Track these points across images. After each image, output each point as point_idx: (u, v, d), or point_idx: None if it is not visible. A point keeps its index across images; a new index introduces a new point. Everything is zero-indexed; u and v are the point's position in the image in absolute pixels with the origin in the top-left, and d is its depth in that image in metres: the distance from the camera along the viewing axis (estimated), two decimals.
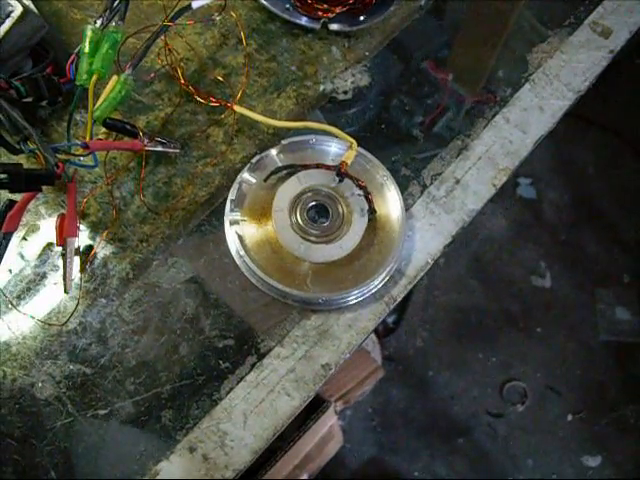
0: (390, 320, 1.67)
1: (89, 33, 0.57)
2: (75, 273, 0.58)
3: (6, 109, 0.52)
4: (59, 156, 0.53)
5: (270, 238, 0.60)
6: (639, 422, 1.65)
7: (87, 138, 0.55)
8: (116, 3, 0.58)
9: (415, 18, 0.74)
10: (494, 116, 0.68)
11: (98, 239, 0.60)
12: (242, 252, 0.58)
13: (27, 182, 0.49)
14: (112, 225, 0.61)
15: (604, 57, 0.72)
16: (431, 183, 0.65)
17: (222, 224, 0.61)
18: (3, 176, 0.49)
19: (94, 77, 0.57)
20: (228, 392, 0.56)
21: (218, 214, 0.62)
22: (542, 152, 1.91)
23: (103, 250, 0.60)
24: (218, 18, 0.68)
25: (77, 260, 0.59)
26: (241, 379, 0.57)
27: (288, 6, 0.70)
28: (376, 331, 0.57)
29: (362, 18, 0.69)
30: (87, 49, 0.57)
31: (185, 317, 0.59)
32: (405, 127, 0.68)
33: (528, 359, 1.69)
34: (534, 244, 1.81)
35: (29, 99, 0.56)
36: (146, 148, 0.60)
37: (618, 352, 1.71)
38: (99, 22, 0.58)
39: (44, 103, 0.58)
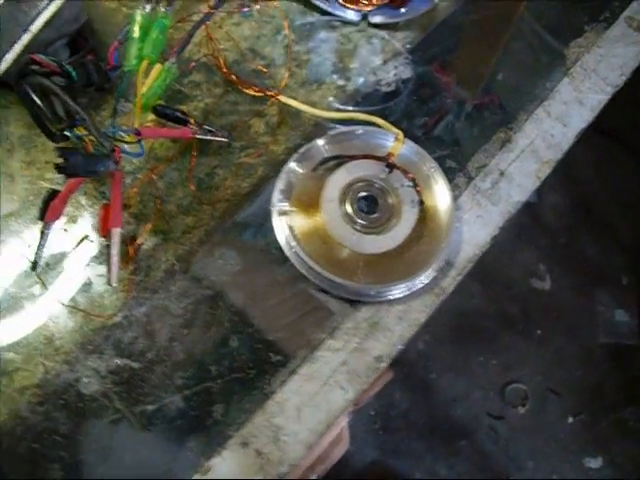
0: None
1: (138, 18, 0.56)
2: (119, 265, 0.57)
3: (59, 93, 0.50)
4: None
5: (320, 229, 0.59)
6: (639, 424, 1.66)
7: (136, 124, 0.53)
8: None
9: (452, 11, 0.74)
10: (535, 109, 0.68)
11: (141, 231, 0.59)
12: (293, 242, 0.57)
13: (85, 166, 0.48)
14: (155, 217, 0.59)
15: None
16: (476, 175, 0.64)
17: (267, 215, 0.60)
18: (61, 160, 0.47)
19: (144, 62, 0.55)
20: (280, 385, 0.55)
21: (262, 205, 0.61)
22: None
23: (147, 242, 0.58)
24: (257, 7, 0.67)
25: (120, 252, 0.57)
26: (293, 372, 0.56)
27: None
28: None
29: (403, 10, 0.69)
30: (137, 34, 0.56)
31: (234, 309, 0.57)
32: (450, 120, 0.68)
33: (528, 361, 1.69)
34: (533, 247, 1.82)
35: (77, 84, 0.55)
36: (196, 136, 0.58)
37: (617, 354, 1.72)
38: (148, 7, 0.57)
39: (92, 89, 0.56)
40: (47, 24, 0.57)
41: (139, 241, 0.58)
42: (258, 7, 0.69)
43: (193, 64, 0.66)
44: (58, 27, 0.59)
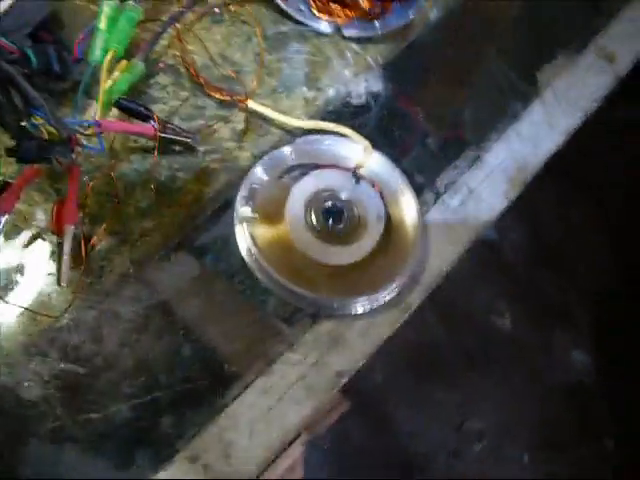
0: None
1: (106, 9, 0.54)
2: (71, 265, 0.54)
3: (15, 76, 0.48)
4: None
5: (283, 238, 0.57)
6: (594, 461, 1.65)
7: (98, 117, 0.51)
8: None
9: (427, 31, 0.73)
10: (506, 129, 0.67)
11: (96, 231, 0.56)
12: (254, 250, 0.55)
13: (39, 152, 0.45)
14: (112, 217, 0.57)
15: (610, 81, 0.73)
16: (445, 191, 0.63)
17: (229, 222, 0.57)
18: (13, 143, 0.44)
19: (110, 54, 0.53)
20: (234, 399, 0.52)
21: (224, 212, 0.59)
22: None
23: (101, 243, 0.56)
24: (229, 13, 0.65)
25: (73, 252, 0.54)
26: (248, 385, 0.53)
27: (302, 8, 0.69)
28: None
29: (377, 24, 0.68)
30: (103, 25, 0.54)
31: (189, 317, 0.54)
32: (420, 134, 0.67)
33: (486, 398, 1.68)
34: (494, 283, 1.82)
35: (37, 70, 0.52)
36: (159, 134, 0.56)
37: (574, 393, 1.72)
38: None
39: (52, 80, 0.54)
40: (6, 13, 0.55)
41: (93, 241, 0.55)
42: (230, 12, 0.67)
43: (161, 65, 0.64)
44: (17, 16, 0.56)
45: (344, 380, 0.54)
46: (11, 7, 0.56)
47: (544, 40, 0.76)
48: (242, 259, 0.56)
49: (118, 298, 0.54)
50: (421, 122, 0.68)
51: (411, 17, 0.66)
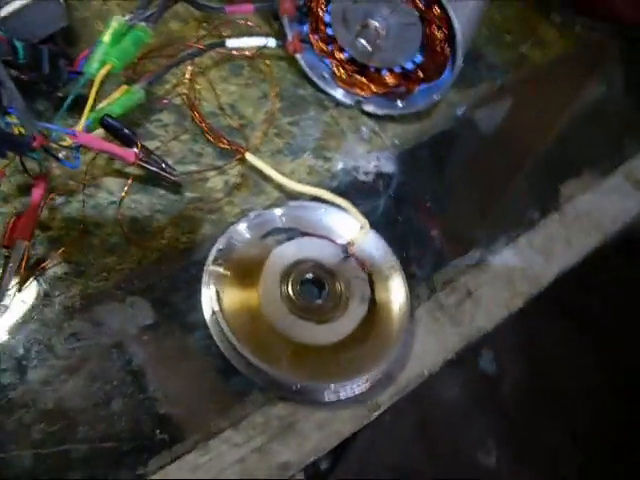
0: (323, 465, 1.53)
1: (114, 24, 0.51)
2: (13, 283, 0.48)
3: None
4: None
5: (252, 303, 0.51)
6: None
7: (79, 129, 0.47)
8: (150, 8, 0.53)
9: (449, 127, 0.70)
10: (518, 236, 0.62)
11: (52, 255, 0.51)
12: (216, 308, 0.49)
13: None
14: (73, 244, 0.52)
15: (634, 207, 0.68)
16: (441, 289, 0.58)
17: (198, 275, 0.52)
18: None
19: (106, 67, 0.50)
20: (157, 470, 0.45)
21: (197, 265, 0.53)
22: (510, 328, 1.86)
23: (55, 269, 0.50)
24: (248, 67, 0.63)
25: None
26: (177, 457, 0.46)
27: (326, 75, 0.66)
28: (305, 472, 0.49)
29: (400, 104, 0.64)
30: (107, 39, 0.51)
31: (129, 368, 0.48)
32: (423, 226, 0.62)
33: None
34: (486, 419, 1.72)
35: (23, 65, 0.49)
36: (140, 162, 0.52)
37: None
38: (128, 17, 0.52)
39: (41, 81, 0.50)
40: (14, 16, 0.52)
41: (45, 264, 0.50)
42: (252, 65, 0.65)
43: (165, 101, 0.60)
44: (29, 21, 0.54)
45: (288, 474, 0.47)
46: (22, 11, 0.53)
47: (572, 155, 0.72)
48: (202, 316, 0.50)
49: (56, 331, 0.48)
50: (429, 219, 0.63)
51: (435, 99, 0.62)
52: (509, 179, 0.70)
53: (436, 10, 0.56)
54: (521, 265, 0.61)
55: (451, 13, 0.54)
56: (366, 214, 0.58)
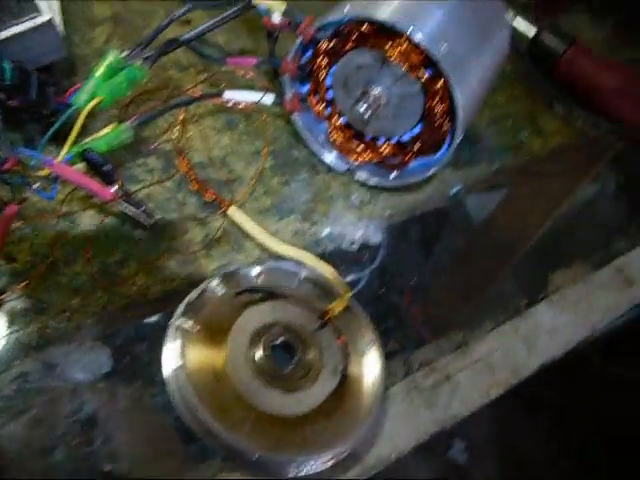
0: None
1: (110, 58, 0.50)
2: None
3: None
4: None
5: (217, 363, 0.48)
6: None
7: (58, 159, 0.45)
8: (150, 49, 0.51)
9: (442, 206, 0.69)
10: (503, 322, 0.60)
11: (14, 288, 0.48)
12: (179, 364, 0.46)
13: None
14: (37, 279, 0.49)
15: (624, 304, 0.66)
16: (418, 369, 0.55)
17: (164, 326, 0.49)
18: None
19: (95, 101, 0.48)
20: None
21: (165, 317, 0.50)
22: (485, 418, 1.81)
23: (14, 302, 0.48)
24: (244, 123, 0.61)
25: None
26: None
27: (321, 138, 0.64)
28: None
29: (393, 175, 0.63)
30: (100, 72, 0.49)
31: (78, 417, 0.45)
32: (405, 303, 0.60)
33: None
34: None
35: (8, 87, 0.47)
36: (117, 202, 0.49)
37: None
38: (125, 52, 0.51)
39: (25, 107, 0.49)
40: (8, 42, 0.51)
41: (4, 296, 0.47)
42: (248, 121, 0.63)
43: (154, 145, 0.59)
44: (26, 47, 0.53)
45: None
46: (21, 37, 0.52)
47: (564, 246, 0.71)
48: (165, 372, 0.47)
49: (5, 368, 0.45)
50: (412, 296, 0.61)
51: (430, 174, 0.60)
52: (498, 263, 0.68)
53: (440, 84, 0.55)
54: (503, 353, 0.58)
55: (454, 88, 0.53)
56: (348, 283, 0.56)
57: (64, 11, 0.61)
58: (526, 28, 0.83)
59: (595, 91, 0.80)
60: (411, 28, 0.53)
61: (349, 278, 0.58)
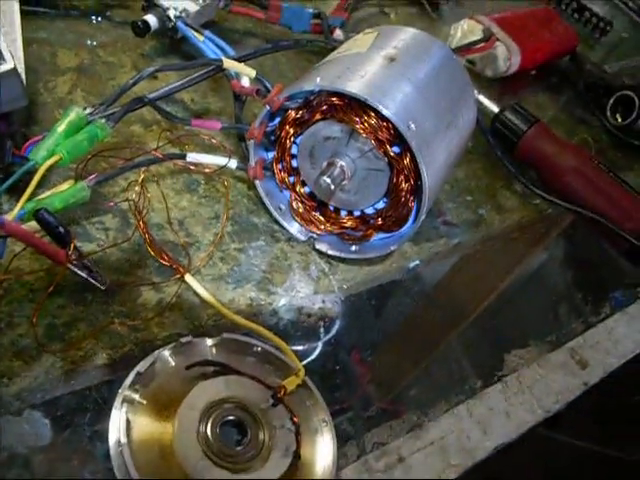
0: None
1: (72, 114, 0.49)
2: None
3: None
4: None
5: (164, 439, 0.46)
6: None
7: (10, 217, 0.43)
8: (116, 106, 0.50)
9: (400, 277, 0.68)
10: (458, 404, 0.59)
11: None
12: (124, 440, 0.44)
13: None
14: None
15: (577, 387, 0.66)
16: (372, 450, 0.53)
17: (112, 399, 0.47)
18: None
19: (53, 158, 0.47)
20: None
21: (112, 386, 0.48)
22: None
23: None
24: (205, 185, 0.60)
25: None
26: None
27: (282, 206, 0.63)
28: None
29: (354, 248, 0.62)
30: (61, 129, 0.48)
31: None
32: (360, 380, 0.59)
33: None
34: None
35: None
36: (69, 265, 0.47)
37: None
38: (88, 110, 0.50)
39: None
40: None
41: None
42: (209, 185, 0.62)
43: (111, 204, 0.57)
44: None
45: None
46: None
47: (519, 325, 0.71)
48: (108, 447, 0.45)
49: None
50: (366, 374, 0.60)
51: (391, 249, 0.60)
52: (454, 342, 0.67)
53: (406, 161, 0.55)
54: (458, 434, 0.57)
55: (423, 169, 0.53)
56: (302, 357, 0.54)
57: (27, 57, 0.60)
58: (489, 105, 0.85)
59: (553, 170, 0.81)
60: (382, 105, 0.53)
61: (304, 351, 0.57)
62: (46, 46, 0.70)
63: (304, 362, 0.54)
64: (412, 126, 0.53)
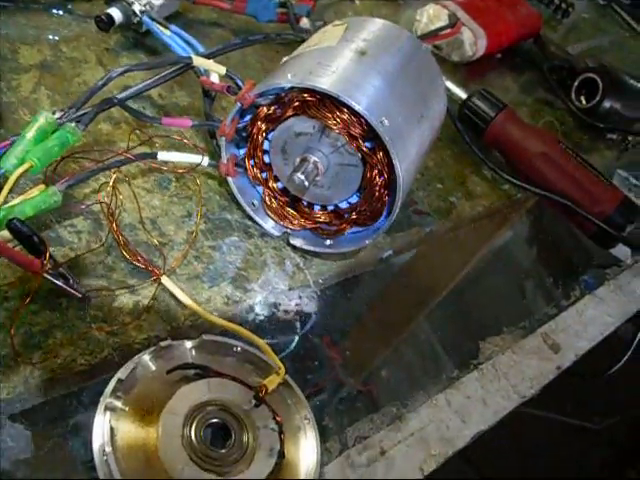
0: None
1: (41, 120, 0.48)
2: None
3: None
4: None
5: (149, 445, 0.46)
6: None
7: None
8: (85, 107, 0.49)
9: (371, 269, 0.68)
10: (436, 394, 0.60)
11: None
12: (108, 449, 0.43)
13: None
14: None
15: (551, 371, 0.67)
16: (353, 445, 0.54)
17: (92, 405, 0.46)
18: None
19: (24, 166, 0.46)
20: None
21: (92, 392, 0.48)
22: None
23: None
24: (176, 183, 0.59)
25: None
26: None
27: (255, 202, 0.63)
28: None
29: (328, 242, 0.62)
30: (30, 135, 0.47)
31: None
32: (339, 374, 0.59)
33: None
34: None
35: None
36: (45, 274, 0.46)
37: None
38: (58, 115, 0.49)
39: None
40: None
41: None
42: (179, 182, 0.62)
43: (82, 207, 0.56)
44: None
45: None
46: None
47: (493, 312, 0.72)
48: (91, 455, 0.44)
49: None
50: (339, 368, 0.60)
51: (366, 243, 0.60)
52: (429, 330, 0.68)
53: (379, 155, 0.55)
54: (437, 424, 0.58)
55: (396, 165, 0.53)
56: (281, 358, 0.54)
57: None
58: (457, 91, 0.85)
59: (521, 156, 0.82)
60: (354, 101, 0.52)
61: (282, 347, 0.57)
62: (6, 42, 0.68)
63: (282, 355, 0.54)
64: (385, 122, 0.53)
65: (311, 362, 0.59)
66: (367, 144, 0.56)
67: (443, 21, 0.97)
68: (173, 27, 0.68)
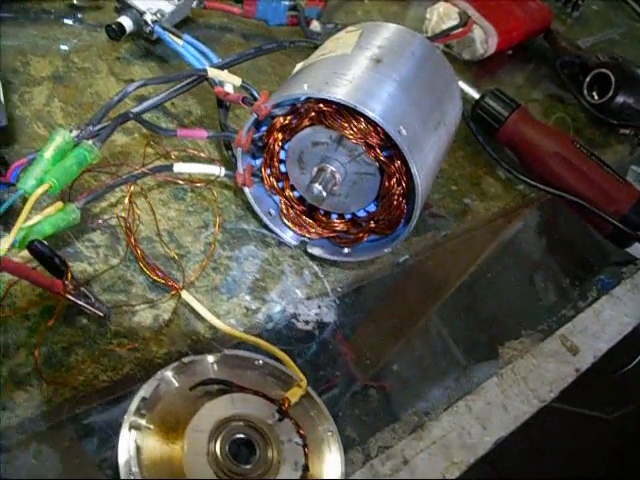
0: None
1: (58, 139, 0.48)
2: None
3: None
4: None
5: (175, 462, 0.46)
6: None
7: (2, 252, 0.42)
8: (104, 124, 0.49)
9: (387, 274, 0.68)
10: (457, 400, 0.60)
11: None
12: (135, 468, 0.44)
13: None
14: None
15: (570, 374, 0.67)
16: (377, 455, 0.54)
17: (118, 421, 0.46)
18: None
19: (43, 187, 0.45)
20: None
21: (116, 409, 0.48)
22: None
23: None
24: (191, 194, 0.59)
25: None
26: None
27: (272, 212, 0.63)
28: None
29: (346, 251, 0.62)
30: (48, 154, 0.47)
31: None
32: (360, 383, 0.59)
33: None
34: None
35: None
36: (67, 295, 0.46)
37: None
38: (75, 133, 0.48)
39: None
40: None
41: None
42: (195, 193, 0.62)
43: (100, 221, 0.56)
44: None
45: None
46: None
47: (509, 315, 0.72)
48: (117, 473, 0.44)
49: None
50: (367, 376, 0.60)
51: (385, 251, 0.60)
52: (447, 334, 0.68)
53: (397, 164, 0.55)
54: (459, 431, 0.58)
55: (414, 171, 0.53)
56: (300, 367, 0.54)
57: None
58: (469, 91, 0.85)
59: (536, 155, 0.82)
60: (372, 111, 0.52)
61: (303, 359, 0.57)
62: (17, 54, 0.68)
63: (300, 361, 0.55)
64: (403, 131, 0.53)
65: (331, 370, 0.59)
66: (384, 153, 0.56)
67: (453, 19, 0.97)
68: (186, 37, 0.68)
